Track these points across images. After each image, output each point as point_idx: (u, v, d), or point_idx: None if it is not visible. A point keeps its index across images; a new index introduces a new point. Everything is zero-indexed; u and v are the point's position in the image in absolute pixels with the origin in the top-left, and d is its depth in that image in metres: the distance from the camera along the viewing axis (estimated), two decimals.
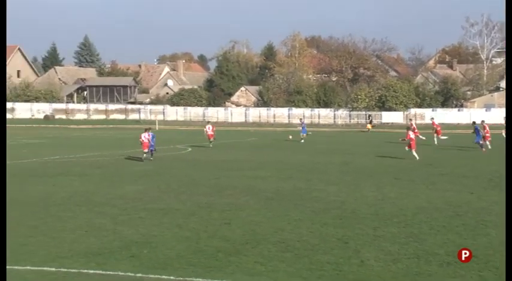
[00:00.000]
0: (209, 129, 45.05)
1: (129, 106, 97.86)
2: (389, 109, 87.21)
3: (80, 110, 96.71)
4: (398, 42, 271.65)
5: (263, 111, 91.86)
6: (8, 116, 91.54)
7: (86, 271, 12.27)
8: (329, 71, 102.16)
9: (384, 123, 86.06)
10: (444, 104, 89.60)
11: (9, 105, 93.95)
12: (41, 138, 52.45)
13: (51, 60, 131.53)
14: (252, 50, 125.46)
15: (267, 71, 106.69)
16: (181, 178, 26.61)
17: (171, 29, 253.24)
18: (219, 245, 14.35)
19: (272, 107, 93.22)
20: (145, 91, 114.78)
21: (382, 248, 13.93)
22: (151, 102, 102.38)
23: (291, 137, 53.54)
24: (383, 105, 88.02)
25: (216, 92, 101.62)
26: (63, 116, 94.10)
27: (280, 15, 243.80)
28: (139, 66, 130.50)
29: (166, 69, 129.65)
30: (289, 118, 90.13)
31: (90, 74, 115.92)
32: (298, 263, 12.81)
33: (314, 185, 24.38)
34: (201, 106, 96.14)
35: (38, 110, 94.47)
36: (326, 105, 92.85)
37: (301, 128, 52.83)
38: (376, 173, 28.44)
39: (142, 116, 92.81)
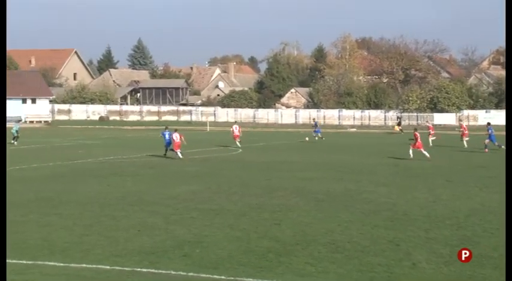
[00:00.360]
0: (236, 129, 45.02)
1: (181, 108, 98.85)
2: (441, 111, 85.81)
3: (133, 112, 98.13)
4: (451, 43, 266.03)
5: (313, 112, 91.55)
6: (65, 117, 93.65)
7: (139, 269, 12.44)
8: (380, 72, 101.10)
9: (436, 125, 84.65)
10: (498, 106, 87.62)
11: (66, 107, 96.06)
12: (96, 139, 53.45)
13: (106, 63, 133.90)
14: (303, 52, 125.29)
15: (317, 72, 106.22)
16: (232, 179, 26.73)
17: (223, 32, 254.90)
18: (269, 245, 14.35)
19: (322, 108, 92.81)
20: (196, 93, 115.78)
21: (434, 250, 13.71)
22: (203, 104, 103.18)
23: (307, 138, 53.57)
24: (435, 106, 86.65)
25: (266, 93, 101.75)
26: (117, 118, 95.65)
27: (331, 17, 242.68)
28: (191, 68, 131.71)
29: (218, 71, 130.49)
30: (339, 120, 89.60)
31: (143, 77, 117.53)
32: (348, 264, 12.72)
33: (364, 186, 24.17)
34: (252, 108, 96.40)
35: (93, 111, 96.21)
36: (376, 106, 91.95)
37: (314, 129, 54.58)
38: (427, 174, 28.02)
39: (194, 118, 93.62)
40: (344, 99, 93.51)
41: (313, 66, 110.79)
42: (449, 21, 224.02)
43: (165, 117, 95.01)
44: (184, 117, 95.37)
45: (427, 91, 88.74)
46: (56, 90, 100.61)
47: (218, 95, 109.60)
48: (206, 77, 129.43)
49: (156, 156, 37.66)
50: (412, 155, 34.78)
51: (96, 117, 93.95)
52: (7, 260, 13.02)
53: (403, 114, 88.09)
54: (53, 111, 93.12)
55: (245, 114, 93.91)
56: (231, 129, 46.06)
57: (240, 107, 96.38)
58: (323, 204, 20.07)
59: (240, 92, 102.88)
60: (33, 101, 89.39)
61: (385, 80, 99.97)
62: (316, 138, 53.15)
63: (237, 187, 24.14)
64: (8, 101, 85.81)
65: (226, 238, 15.13)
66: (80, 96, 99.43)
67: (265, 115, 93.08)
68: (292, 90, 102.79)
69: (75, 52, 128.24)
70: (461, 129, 47.51)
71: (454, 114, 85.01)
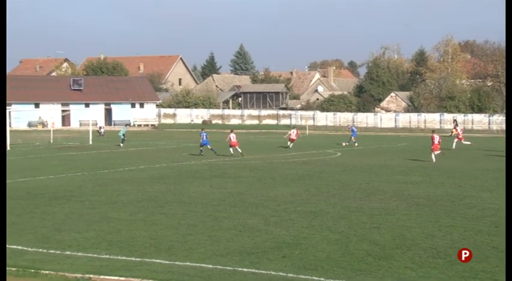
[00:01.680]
0: (233, 138, 41.25)
1: (281, 112, 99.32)
2: None
3: (234, 116, 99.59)
4: None
5: (413, 116, 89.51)
6: (170, 121, 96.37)
7: (240, 269, 12.58)
8: (484, 75, 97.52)
9: None
10: None
11: (171, 111, 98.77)
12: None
13: (209, 68, 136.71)
14: (403, 56, 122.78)
15: (418, 76, 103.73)
16: (331, 181, 26.57)
17: (322, 37, 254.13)
18: (368, 248, 14.15)
19: (423, 112, 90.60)
20: (296, 97, 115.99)
21: None
22: (302, 108, 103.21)
23: (344, 144, 51.92)
24: None
25: (365, 97, 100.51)
26: (219, 121, 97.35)
27: (433, 20, 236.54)
28: (291, 73, 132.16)
29: (317, 75, 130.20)
30: (440, 124, 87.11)
31: (244, 81, 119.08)
32: (450, 270, 12.33)
33: (466, 191, 23.39)
34: (351, 112, 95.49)
35: (197, 115, 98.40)
36: (480, 110, 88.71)
37: (351, 132, 53.49)
38: None
39: (293, 122, 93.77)
40: (446, 103, 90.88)
41: (413, 70, 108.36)
42: None
43: (265, 121, 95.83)
44: (284, 121, 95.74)
45: None
46: (162, 95, 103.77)
47: (317, 99, 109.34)
48: (306, 81, 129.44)
49: (256, 159, 38.00)
50: (434, 159, 35.60)
51: (200, 121, 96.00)
52: (117, 257, 13.55)
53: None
54: (159, 115, 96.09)
55: (344, 118, 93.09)
56: (228, 137, 41.42)
57: (339, 111, 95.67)
58: (423, 208, 19.57)
59: (339, 96, 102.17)
60: (141, 105, 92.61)
61: (489, 84, 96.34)
62: (353, 142, 51.73)
63: (335, 189, 23.97)
64: (118, 106, 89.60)
65: (325, 240, 15.04)
66: (185, 100, 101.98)
67: (364, 119, 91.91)
68: (392, 94, 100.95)
69: (181, 58, 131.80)
70: (456, 133, 47.76)
71: None
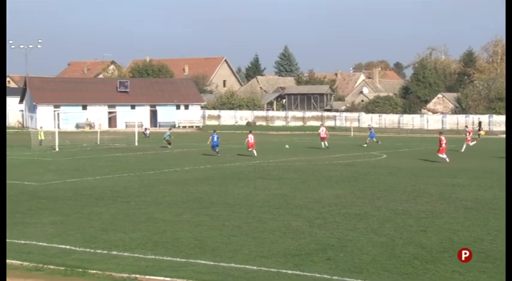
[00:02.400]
0: (251, 139, 41.28)
1: (325, 113, 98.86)
2: None
3: (278, 117, 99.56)
4: None
5: (461, 118, 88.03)
6: (215, 122, 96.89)
7: (284, 271, 12.57)
8: None
9: None
10: None
11: (215, 112, 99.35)
12: (243, 144, 54.52)
13: (254, 70, 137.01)
14: (450, 57, 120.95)
15: (465, 77, 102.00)
16: (376, 184, 26.31)
17: (367, 38, 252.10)
18: (415, 252, 13.97)
19: (471, 114, 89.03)
20: (340, 99, 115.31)
21: None
22: (347, 110, 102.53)
23: (365, 145, 51.56)
24: None
25: (411, 99, 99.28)
26: (263, 123, 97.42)
27: (481, 20, 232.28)
28: (336, 74, 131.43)
29: (362, 77, 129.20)
30: (489, 125, 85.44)
31: (288, 83, 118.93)
32: (500, 274, 12.07)
33: None
34: (396, 113, 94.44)
35: (241, 117, 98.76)
36: None
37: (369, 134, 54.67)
38: None
39: (338, 123, 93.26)
40: (495, 104, 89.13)
41: (461, 71, 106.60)
42: None
43: (309, 123, 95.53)
44: (329, 123, 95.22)
45: None
46: (207, 96, 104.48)
47: (362, 100, 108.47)
48: (350, 82, 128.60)
49: (301, 161, 37.91)
50: (447, 159, 36.42)
51: (244, 123, 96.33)
52: (163, 257, 13.68)
53: None
54: (203, 117, 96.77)
55: (389, 119, 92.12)
56: (247, 139, 41.85)
57: (385, 113, 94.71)
58: (471, 211, 19.23)
59: (385, 97, 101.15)
60: (186, 107, 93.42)
61: None
62: (375, 141, 52.96)
63: (381, 192, 23.74)
64: (163, 107, 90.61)
65: (370, 243, 14.91)
66: (229, 102, 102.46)
67: (410, 121, 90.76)
68: (439, 95, 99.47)
69: (225, 60, 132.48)
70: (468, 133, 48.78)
71: None
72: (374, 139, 53.53)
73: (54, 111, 64.75)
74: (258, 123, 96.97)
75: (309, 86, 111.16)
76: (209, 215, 18.73)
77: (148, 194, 23.40)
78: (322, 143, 48.36)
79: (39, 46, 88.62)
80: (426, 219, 17.92)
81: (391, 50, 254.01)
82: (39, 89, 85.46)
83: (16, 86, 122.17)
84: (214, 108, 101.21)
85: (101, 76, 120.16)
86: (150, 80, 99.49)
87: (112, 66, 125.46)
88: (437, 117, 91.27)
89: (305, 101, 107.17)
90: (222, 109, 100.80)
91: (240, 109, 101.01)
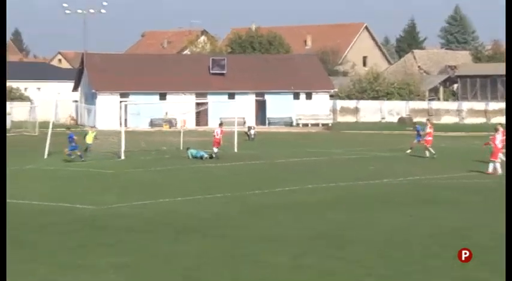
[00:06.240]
0: (217, 134, 46.35)
1: None
2: None
3: (447, 111, 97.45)
4: None
5: None
6: (350, 118, 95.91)
7: None
8: None
9: None
10: None
11: (352, 103, 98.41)
12: (395, 151, 53.63)
13: (409, 41, 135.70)
14: None
15: None
16: None
17: None
18: None
19: None
20: None
21: None
22: None
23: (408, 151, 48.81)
24: None
25: None
26: (424, 119, 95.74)
27: None
28: None
29: None
30: None
31: (462, 60, 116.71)
32: None
33: None
34: None
35: (390, 110, 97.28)
36: None
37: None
38: None
39: None
40: None
41: None
42: None
43: (495, 119, 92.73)
44: None
45: None
46: (339, 80, 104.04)
47: None
48: None
49: (484, 177, 36.71)
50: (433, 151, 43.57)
51: (395, 119, 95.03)
52: None
53: None
54: (334, 111, 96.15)
55: None
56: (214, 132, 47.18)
57: None
58: None
59: None
60: (308, 96, 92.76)
61: None
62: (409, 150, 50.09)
63: None
64: (274, 96, 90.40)
65: None
66: (372, 89, 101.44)
67: None
68: None
69: (366, 27, 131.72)
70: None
71: None
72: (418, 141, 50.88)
73: (121, 102, 65.92)
74: (415, 119, 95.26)
75: (494, 65, 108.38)
76: (344, 260, 18.56)
77: (253, 225, 23.48)
78: (500, 154, 46.54)
79: (102, 10, 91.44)
80: None
81: None
82: (101, 70, 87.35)
83: (70, 67, 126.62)
84: (349, 97, 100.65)
85: (187, 52, 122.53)
86: (256, 57, 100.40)
87: (203, 38, 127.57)
88: None
89: (488, 86, 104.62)
90: (362, 99, 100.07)
91: (388, 99, 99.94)
